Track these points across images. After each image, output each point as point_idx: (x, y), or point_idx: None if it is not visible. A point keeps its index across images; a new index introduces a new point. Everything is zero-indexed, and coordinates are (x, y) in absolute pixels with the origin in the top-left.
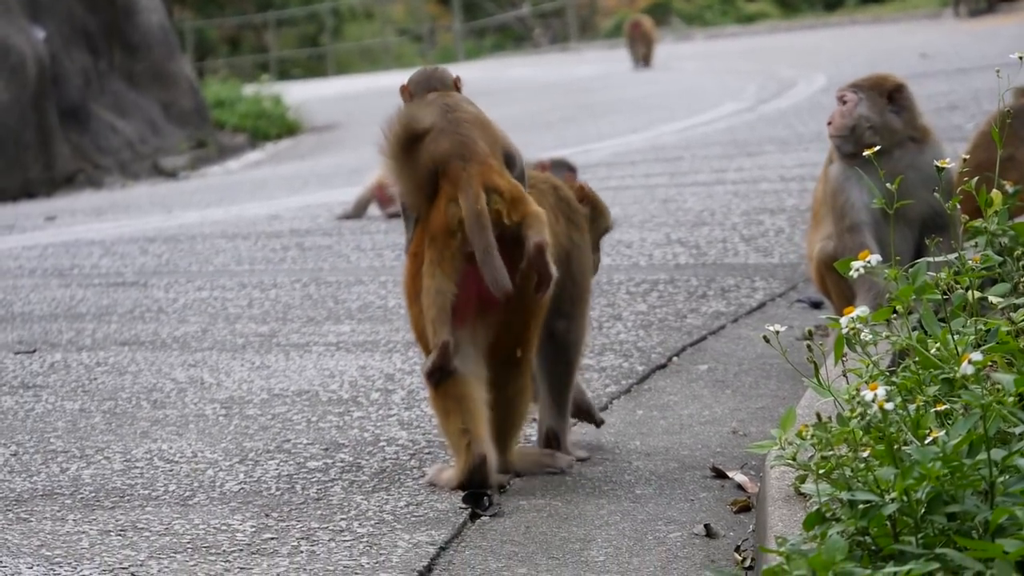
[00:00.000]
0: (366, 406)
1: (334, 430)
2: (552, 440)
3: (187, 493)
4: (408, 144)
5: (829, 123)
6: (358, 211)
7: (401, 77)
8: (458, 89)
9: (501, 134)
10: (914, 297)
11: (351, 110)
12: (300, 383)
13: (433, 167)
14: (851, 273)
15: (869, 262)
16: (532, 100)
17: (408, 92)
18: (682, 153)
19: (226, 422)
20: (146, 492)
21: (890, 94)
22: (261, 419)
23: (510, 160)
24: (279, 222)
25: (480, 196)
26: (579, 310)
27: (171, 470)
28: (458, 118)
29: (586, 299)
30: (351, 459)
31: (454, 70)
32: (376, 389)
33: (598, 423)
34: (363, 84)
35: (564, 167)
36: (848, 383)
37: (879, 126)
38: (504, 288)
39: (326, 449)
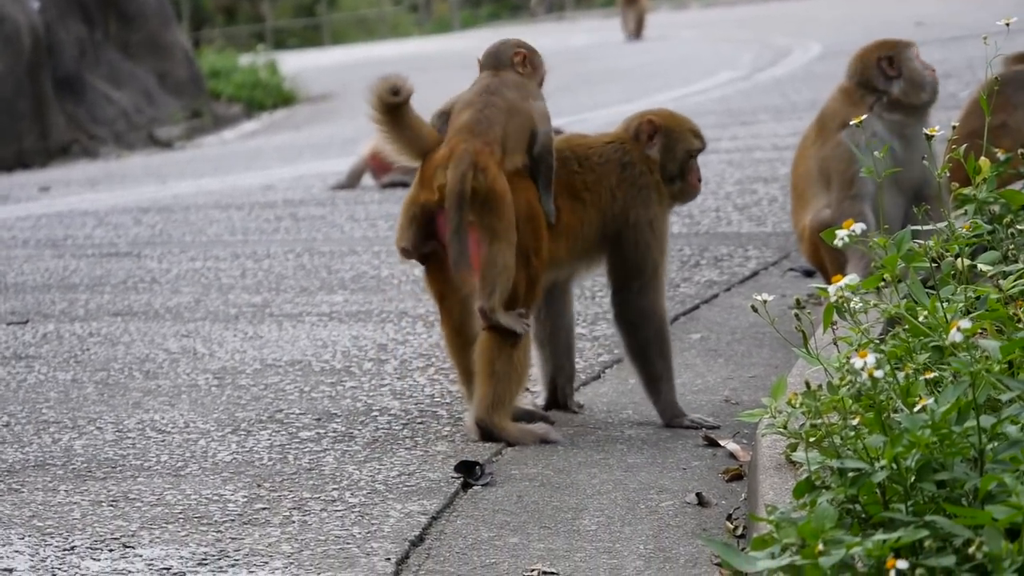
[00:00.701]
0: (359, 376)
1: (326, 400)
2: (665, 412)
3: (179, 463)
4: (390, 109)
5: (932, 72)
6: (352, 181)
7: (397, 47)
8: (517, 65)
9: (531, 120)
10: (902, 265)
11: (346, 80)
12: (293, 353)
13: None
14: (835, 243)
15: (854, 231)
16: None
17: (480, 65)
18: None
19: (218, 392)
20: (138, 463)
21: None
22: (253, 389)
23: (532, 140)
24: (273, 192)
25: (467, 176)
26: (640, 284)
27: (163, 440)
28: (490, 101)
29: (651, 273)
30: (343, 429)
31: (450, 40)
32: (369, 359)
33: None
34: (359, 54)
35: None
36: (839, 352)
37: None
38: (464, 268)
39: (318, 419)
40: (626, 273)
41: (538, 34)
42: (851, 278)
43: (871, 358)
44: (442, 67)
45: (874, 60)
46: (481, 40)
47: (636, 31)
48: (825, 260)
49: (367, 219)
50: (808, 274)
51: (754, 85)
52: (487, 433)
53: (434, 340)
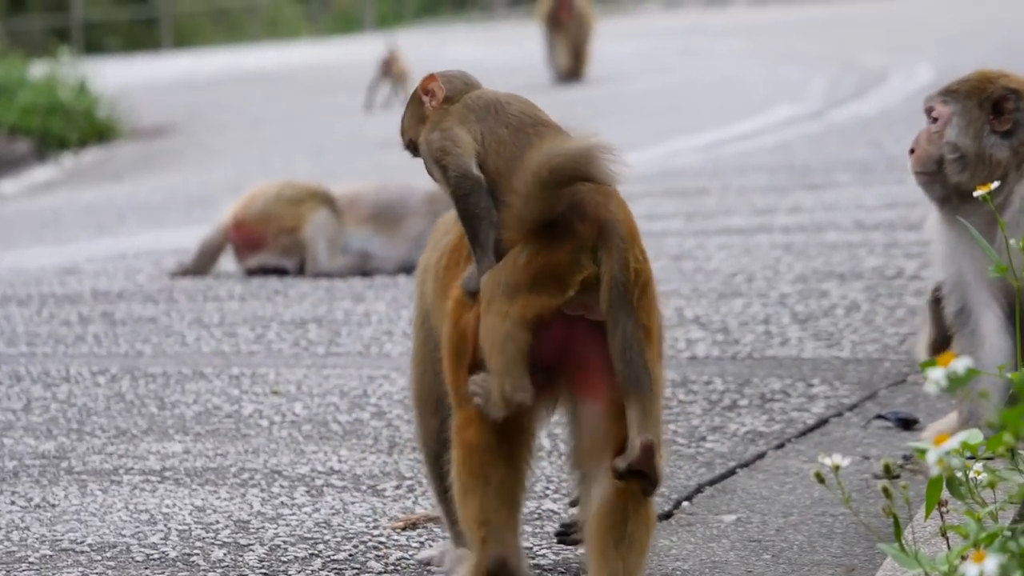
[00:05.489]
0: (204, 570)
1: None
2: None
3: None
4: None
5: (911, 151)
6: (202, 264)
7: (276, 55)
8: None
9: None
10: None
11: (196, 104)
12: (103, 532)
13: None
14: (928, 387)
15: (954, 370)
16: None
17: (441, 90)
18: (707, 183)
19: None
20: None
21: (995, 104)
22: None
23: None
24: (77, 280)
25: (633, 258)
26: None
27: None
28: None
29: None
30: None
31: (360, 43)
32: (221, 544)
33: None
34: (216, 64)
35: None
36: (949, 548)
37: (971, 156)
38: (646, 392)
39: None
40: None
41: (497, 41)
42: (970, 435)
43: (991, 562)
44: (355, 85)
45: (998, 90)
46: (409, 48)
47: (572, 68)
48: None
49: (222, 325)
50: (906, 425)
51: (828, 128)
52: None
53: (323, 516)
